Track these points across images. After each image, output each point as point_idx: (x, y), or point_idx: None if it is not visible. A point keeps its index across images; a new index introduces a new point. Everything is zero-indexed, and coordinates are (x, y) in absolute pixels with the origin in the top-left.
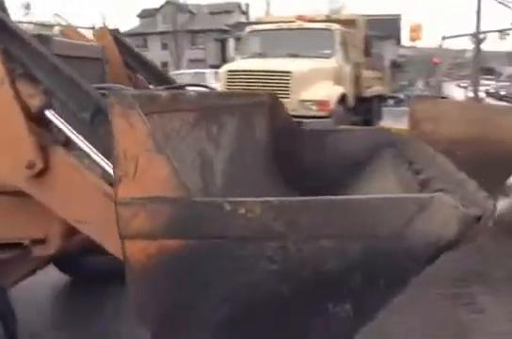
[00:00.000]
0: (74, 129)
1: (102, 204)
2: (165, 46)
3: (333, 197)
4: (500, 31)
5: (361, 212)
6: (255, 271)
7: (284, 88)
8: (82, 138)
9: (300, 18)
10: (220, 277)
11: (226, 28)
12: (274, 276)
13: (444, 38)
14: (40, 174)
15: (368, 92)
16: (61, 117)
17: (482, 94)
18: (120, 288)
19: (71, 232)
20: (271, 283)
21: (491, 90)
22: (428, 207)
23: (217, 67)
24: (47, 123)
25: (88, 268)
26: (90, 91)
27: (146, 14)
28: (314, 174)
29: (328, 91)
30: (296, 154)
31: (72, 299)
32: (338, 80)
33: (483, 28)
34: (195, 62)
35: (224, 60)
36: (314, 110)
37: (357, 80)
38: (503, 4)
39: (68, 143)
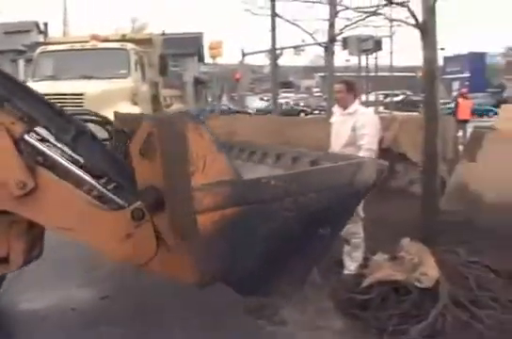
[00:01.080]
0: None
1: (84, 211)
2: None
3: (315, 167)
4: (294, 47)
5: (331, 172)
6: (281, 218)
7: None
8: (62, 158)
9: (94, 38)
10: (262, 225)
11: (22, 49)
12: (291, 218)
13: (244, 54)
14: (30, 193)
15: (168, 111)
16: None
17: (284, 106)
18: None
19: (31, 248)
20: (291, 223)
21: (291, 102)
22: (362, 166)
23: None
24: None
25: None
26: (71, 117)
27: None
28: None
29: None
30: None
31: None
32: (135, 100)
33: (280, 44)
34: None
35: None
36: None
37: (155, 99)
38: (291, 23)
39: (46, 162)
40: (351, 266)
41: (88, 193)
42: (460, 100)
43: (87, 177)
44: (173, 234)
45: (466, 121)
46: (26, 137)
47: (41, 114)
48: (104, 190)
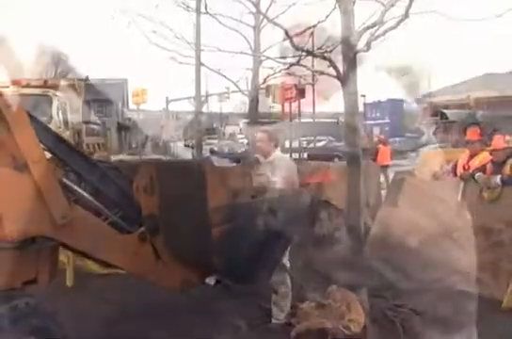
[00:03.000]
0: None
1: (106, 235)
2: None
3: (275, 196)
4: (218, 95)
5: (285, 198)
6: (256, 229)
7: None
8: (90, 196)
9: (15, 83)
10: (246, 234)
11: None
12: (262, 230)
13: (169, 101)
14: (68, 222)
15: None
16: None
17: (207, 153)
18: None
19: (53, 269)
20: (261, 233)
21: (216, 149)
22: (302, 193)
23: None
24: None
25: None
26: (97, 163)
27: None
28: None
29: None
30: None
31: None
32: None
33: (205, 91)
34: None
35: None
36: None
37: (77, 147)
38: (215, 72)
39: (77, 198)
40: (279, 316)
41: (103, 220)
42: (380, 146)
43: (104, 209)
44: (168, 251)
45: (386, 166)
46: (64, 179)
47: (72, 159)
48: (116, 218)
